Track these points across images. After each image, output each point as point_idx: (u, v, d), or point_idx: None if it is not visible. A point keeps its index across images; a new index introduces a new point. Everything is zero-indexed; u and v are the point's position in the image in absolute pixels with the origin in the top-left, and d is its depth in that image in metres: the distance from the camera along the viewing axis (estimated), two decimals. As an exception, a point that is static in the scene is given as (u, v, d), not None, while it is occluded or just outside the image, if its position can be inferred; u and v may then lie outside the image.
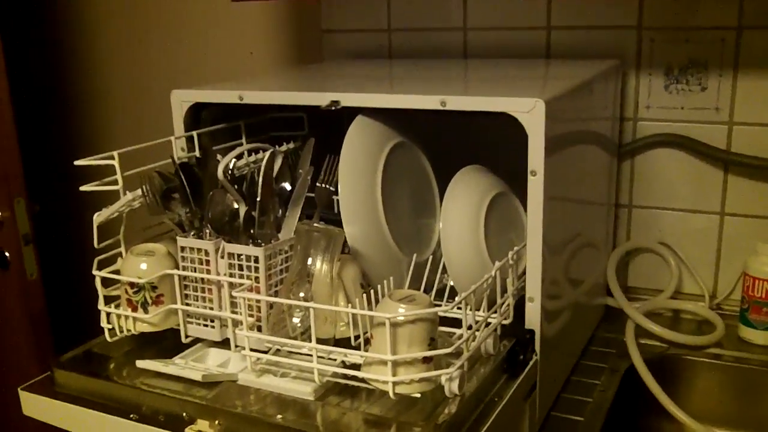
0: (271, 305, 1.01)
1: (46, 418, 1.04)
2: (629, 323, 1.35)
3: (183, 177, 1.02)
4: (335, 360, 0.98)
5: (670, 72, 1.41)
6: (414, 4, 1.58)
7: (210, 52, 1.84)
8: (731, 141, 1.40)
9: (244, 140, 1.29)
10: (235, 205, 1.04)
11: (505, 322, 1.04)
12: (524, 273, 1.07)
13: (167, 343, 1.09)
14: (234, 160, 1.09)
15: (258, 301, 1.00)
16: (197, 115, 1.25)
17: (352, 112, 1.12)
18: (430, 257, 1.17)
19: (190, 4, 1.85)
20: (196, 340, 1.08)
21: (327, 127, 1.22)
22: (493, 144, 1.24)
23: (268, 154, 1.06)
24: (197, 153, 1.21)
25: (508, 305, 1.05)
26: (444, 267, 1.16)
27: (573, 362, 1.29)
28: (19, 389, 1.05)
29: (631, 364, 1.28)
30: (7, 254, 1.57)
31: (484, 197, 1.11)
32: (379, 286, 1.04)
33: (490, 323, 1.00)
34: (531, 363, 1.05)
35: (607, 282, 1.44)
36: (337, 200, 1.13)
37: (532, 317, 1.06)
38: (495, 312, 1.01)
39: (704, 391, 1.32)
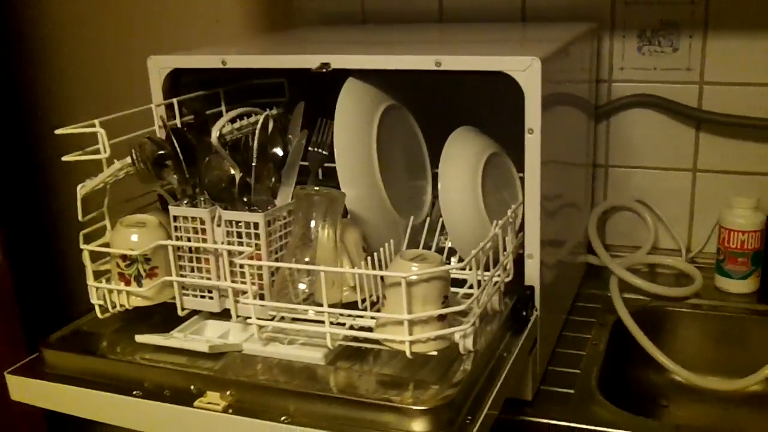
0: (273, 272, 0.99)
1: (38, 401, 1.00)
2: (613, 278, 1.37)
3: (176, 143, 0.99)
4: (344, 324, 0.97)
5: (642, 34, 1.43)
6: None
7: (172, 19, 1.78)
8: (702, 100, 1.43)
9: (223, 108, 1.25)
10: (231, 171, 1.01)
11: (507, 279, 1.05)
12: (520, 230, 1.08)
13: (157, 319, 1.06)
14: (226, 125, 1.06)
15: (260, 268, 0.98)
16: (175, 82, 1.21)
17: (334, 77, 1.09)
18: (427, 219, 1.16)
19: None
20: (191, 314, 1.06)
21: (307, 93, 1.20)
22: (478, 105, 1.25)
23: (262, 117, 1.04)
24: (178, 121, 1.18)
25: (509, 263, 1.06)
26: (440, 229, 1.16)
27: (563, 318, 1.31)
28: (5, 373, 1.00)
29: (617, 317, 1.31)
30: (-33, 238, 1.50)
31: (480, 157, 1.11)
32: (381, 249, 1.04)
33: (495, 281, 1.00)
34: (533, 319, 1.06)
35: (587, 240, 1.46)
36: (324, 167, 1.12)
37: (532, 273, 1.06)
38: (499, 269, 1.01)
39: (686, 340, 1.36)
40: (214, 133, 0.99)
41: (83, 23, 1.89)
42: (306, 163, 1.13)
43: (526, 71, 0.99)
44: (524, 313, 1.05)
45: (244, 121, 1.18)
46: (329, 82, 1.10)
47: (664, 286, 1.37)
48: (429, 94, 1.23)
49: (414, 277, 0.87)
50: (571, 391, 1.13)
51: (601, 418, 1.07)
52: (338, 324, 0.96)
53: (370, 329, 0.94)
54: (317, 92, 1.17)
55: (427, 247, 1.14)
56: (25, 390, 1.00)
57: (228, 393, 0.90)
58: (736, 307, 1.36)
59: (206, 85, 1.24)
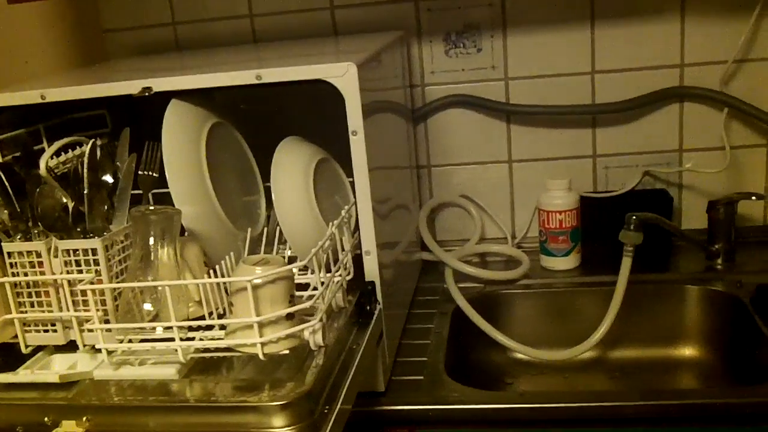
0: (116, 297, 0.99)
1: None
2: (447, 270, 1.45)
3: (3, 177, 0.98)
4: (194, 338, 0.98)
5: (448, 38, 1.53)
6: (196, -5, 1.59)
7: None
8: (509, 94, 1.54)
9: (45, 144, 1.23)
10: (64, 201, 1.01)
11: (348, 277, 1.10)
12: (356, 230, 1.13)
13: (-1, 362, 1.04)
14: (52, 157, 1.06)
15: (102, 294, 0.98)
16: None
17: (156, 103, 1.11)
18: (265, 230, 1.19)
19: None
20: (34, 351, 1.04)
21: (130, 122, 1.21)
22: (302, 117, 1.30)
23: (90, 144, 1.04)
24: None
25: (348, 261, 1.10)
26: (278, 239, 1.19)
27: (406, 313, 1.37)
28: None
29: (456, 306, 1.39)
30: None
31: (309, 164, 1.15)
32: (222, 262, 1.06)
33: (337, 279, 1.05)
34: (377, 312, 1.11)
35: (420, 238, 1.54)
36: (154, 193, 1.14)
37: (371, 269, 1.11)
38: (340, 268, 1.06)
39: (521, 319, 1.46)
40: (42, 163, 0.99)
41: None
42: (139, 192, 1.14)
43: (344, 76, 1.04)
44: (368, 307, 1.10)
45: (70, 154, 1.17)
46: (151, 108, 1.11)
47: (495, 271, 1.47)
48: (253, 110, 1.27)
49: (258, 280, 0.90)
50: (421, 378, 1.18)
51: (451, 398, 1.13)
52: (188, 339, 0.97)
53: (217, 340, 0.96)
54: (140, 119, 1.19)
55: (268, 257, 1.17)
56: None
57: (84, 419, 0.90)
58: (563, 282, 1.47)
59: (25, 123, 1.22)
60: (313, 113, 1.28)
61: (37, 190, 0.98)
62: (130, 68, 1.41)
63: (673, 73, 1.51)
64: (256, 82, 1.07)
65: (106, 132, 1.31)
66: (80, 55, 1.69)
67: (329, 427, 0.85)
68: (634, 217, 1.30)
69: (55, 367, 1.02)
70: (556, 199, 1.46)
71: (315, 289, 1.06)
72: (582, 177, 1.56)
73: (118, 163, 1.12)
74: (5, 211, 1.00)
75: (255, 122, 1.28)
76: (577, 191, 1.48)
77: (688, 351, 1.44)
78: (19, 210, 1.00)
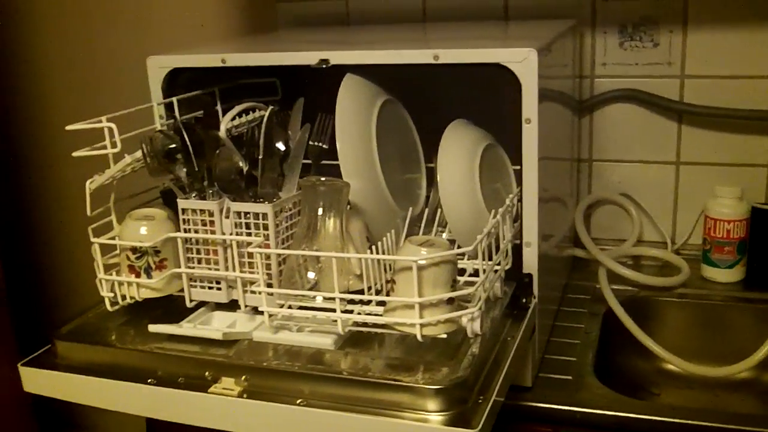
0: (281, 262, 1.01)
1: (52, 392, 1.01)
2: (601, 270, 1.41)
3: (186, 136, 1.01)
4: (352, 311, 0.99)
5: (623, 30, 1.48)
6: (371, -30, 1.59)
7: (157, 24, 1.79)
8: (683, 93, 1.48)
9: (219, 107, 1.27)
10: (239, 164, 1.03)
11: (507, 267, 1.08)
12: (516, 220, 1.11)
13: (161, 312, 1.07)
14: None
15: (268, 258, 1.00)
16: (172, 82, 1.22)
17: (325, 76, 1.12)
18: (426, 211, 1.19)
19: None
20: (197, 306, 1.07)
21: (298, 92, 1.22)
22: (468, 100, 1.28)
23: (269, 111, 1.06)
24: (179, 118, 1.19)
25: (508, 251, 1.08)
26: (436, 221, 1.19)
27: (555, 309, 1.34)
28: (19, 365, 1.01)
29: (607, 307, 1.34)
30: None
31: (476, 149, 1.14)
32: (384, 239, 1.06)
33: (497, 267, 1.03)
34: (532, 305, 1.09)
35: (573, 234, 1.50)
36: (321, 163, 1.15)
37: (530, 261, 1.09)
38: (501, 257, 1.04)
39: (673, 329, 1.40)
40: (223, 126, 1.01)
41: (67, 28, 1.90)
42: (307, 161, 1.15)
43: (523, 62, 1.02)
44: (524, 300, 1.08)
45: (243, 119, 1.20)
46: (320, 80, 1.12)
47: (653, 276, 1.41)
48: (420, 90, 1.26)
49: (423, 262, 0.90)
50: (569, 377, 1.16)
51: (599, 402, 1.10)
52: (347, 311, 0.98)
53: (377, 316, 0.96)
54: (307, 90, 1.20)
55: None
56: (38, 381, 1.01)
57: (243, 378, 0.92)
58: (723, 295, 1.40)
59: (200, 85, 1.26)
60: (476, 97, 1.27)
61: (217, 152, 1.01)
62: (302, 39, 1.43)
63: None
64: (434, 62, 1.06)
65: (276, 100, 1.34)
66: (251, 23, 1.73)
67: (483, 418, 0.83)
68: (810, 235, 1.22)
69: (215, 324, 1.05)
70: (726, 207, 1.39)
71: (471, 275, 1.06)
72: (754, 186, 1.48)
73: (289, 132, 1.14)
74: (183, 169, 1.04)
75: (420, 101, 1.27)
76: (748, 201, 1.41)
77: None
78: (196, 169, 1.03)
